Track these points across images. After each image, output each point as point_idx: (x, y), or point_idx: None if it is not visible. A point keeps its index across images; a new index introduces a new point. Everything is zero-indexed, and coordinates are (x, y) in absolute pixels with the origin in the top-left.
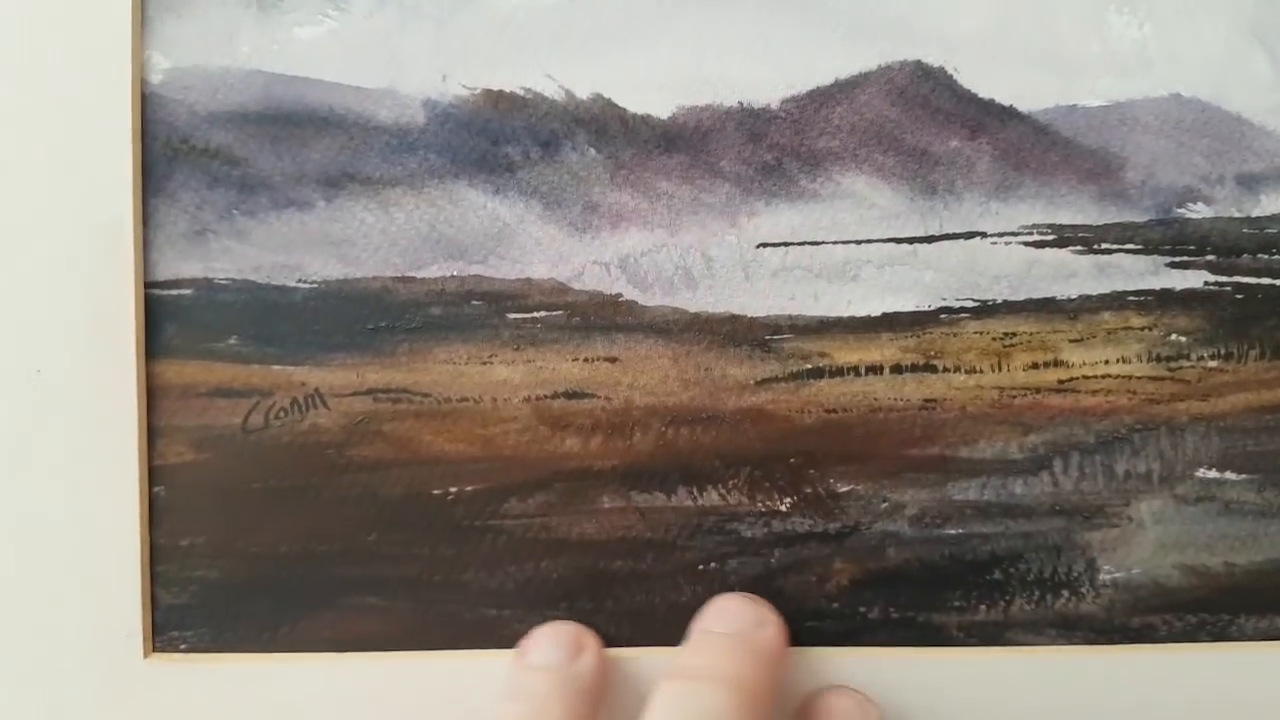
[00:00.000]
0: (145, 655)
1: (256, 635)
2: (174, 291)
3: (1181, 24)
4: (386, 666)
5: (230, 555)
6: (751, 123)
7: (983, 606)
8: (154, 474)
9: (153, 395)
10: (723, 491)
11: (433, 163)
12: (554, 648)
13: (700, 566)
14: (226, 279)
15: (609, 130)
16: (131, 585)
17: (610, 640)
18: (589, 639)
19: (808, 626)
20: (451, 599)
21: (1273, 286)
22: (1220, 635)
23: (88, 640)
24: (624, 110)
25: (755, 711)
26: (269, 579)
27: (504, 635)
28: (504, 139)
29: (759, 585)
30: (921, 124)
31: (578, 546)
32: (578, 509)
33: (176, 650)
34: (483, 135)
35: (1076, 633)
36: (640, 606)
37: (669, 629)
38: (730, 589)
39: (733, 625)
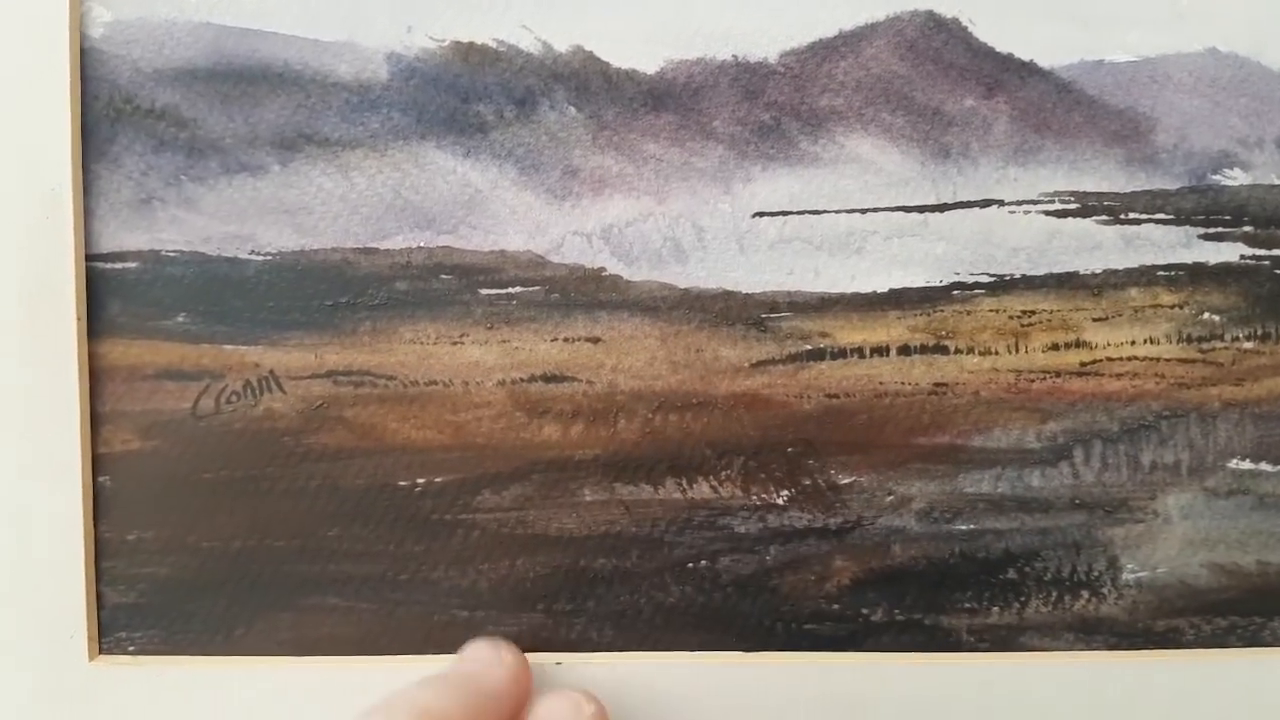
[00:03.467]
0: (91, 658)
1: (210, 637)
2: (118, 265)
3: None
4: (349, 671)
5: (181, 551)
6: (747, 79)
7: (996, 608)
8: (98, 463)
9: (96, 378)
10: (714, 483)
11: (397, 122)
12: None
13: (690, 564)
14: (174, 251)
15: (590, 87)
16: (75, 583)
17: (593, 644)
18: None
19: (805, 630)
20: (419, 599)
21: None
22: (1253, 640)
23: (29, 642)
24: (607, 65)
25: None
26: (222, 576)
27: (476, 638)
28: (475, 96)
29: (753, 584)
30: (933, 81)
31: (557, 542)
32: (557, 502)
33: (124, 652)
34: (452, 92)
35: (1097, 637)
36: (625, 608)
37: (656, 632)
38: (722, 588)
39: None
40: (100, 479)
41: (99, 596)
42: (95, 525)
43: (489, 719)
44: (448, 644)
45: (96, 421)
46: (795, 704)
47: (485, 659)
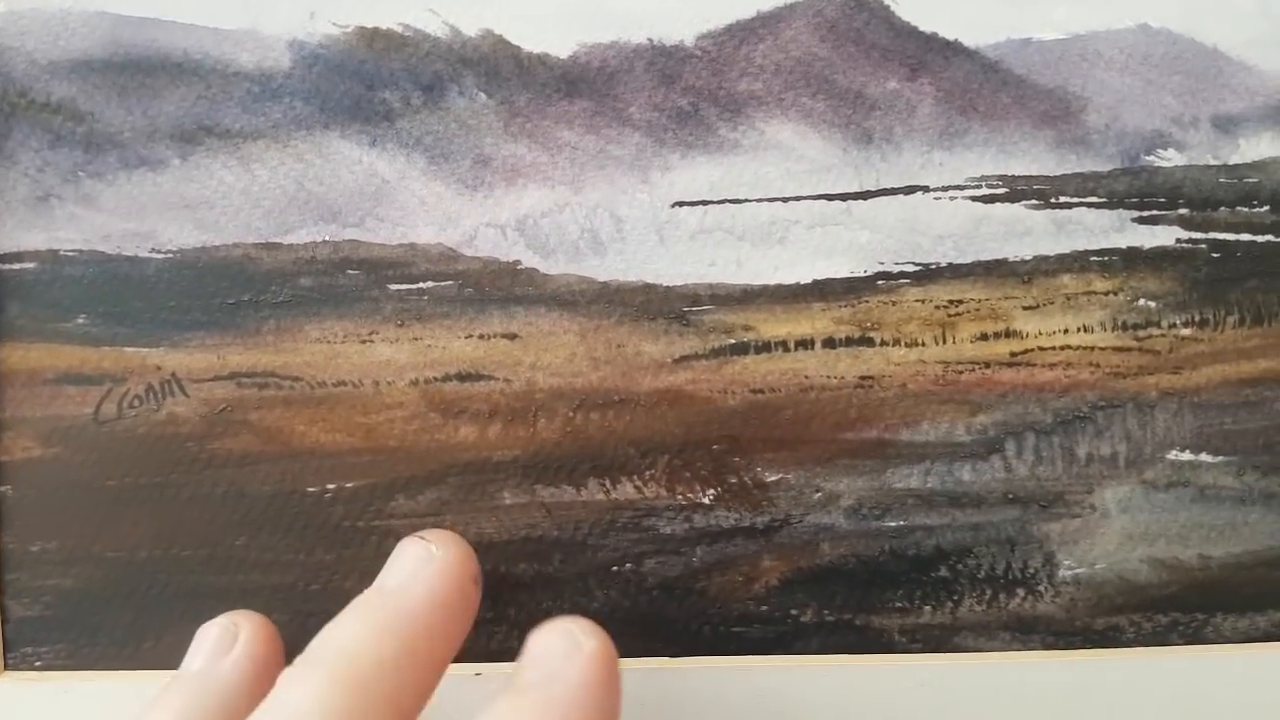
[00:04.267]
0: None
1: (117, 650)
2: (15, 265)
3: None
4: None
5: (85, 561)
6: (663, 62)
7: (928, 608)
8: None
9: None
10: (638, 483)
11: (299, 112)
12: (198, 651)
13: (614, 568)
14: (73, 250)
15: (501, 72)
16: None
17: (514, 653)
18: (246, 628)
19: (733, 632)
20: (332, 610)
21: (1253, 244)
22: (1194, 637)
23: None
24: (518, 49)
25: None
26: (129, 587)
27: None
28: (381, 83)
29: (680, 586)
30: (855, 62)
31: (475, 548)
32: (475, 506)
33: (30, 668)
34: (356, 79)
35: (1033, 636)
36: (548, 614)
37: None
38: (648, 591)
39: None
40: (1, 488)
41: (2, 610)
42: None
43: (431, 639)
44: None
45: None
46: (723, 708)
47: (414, 561)
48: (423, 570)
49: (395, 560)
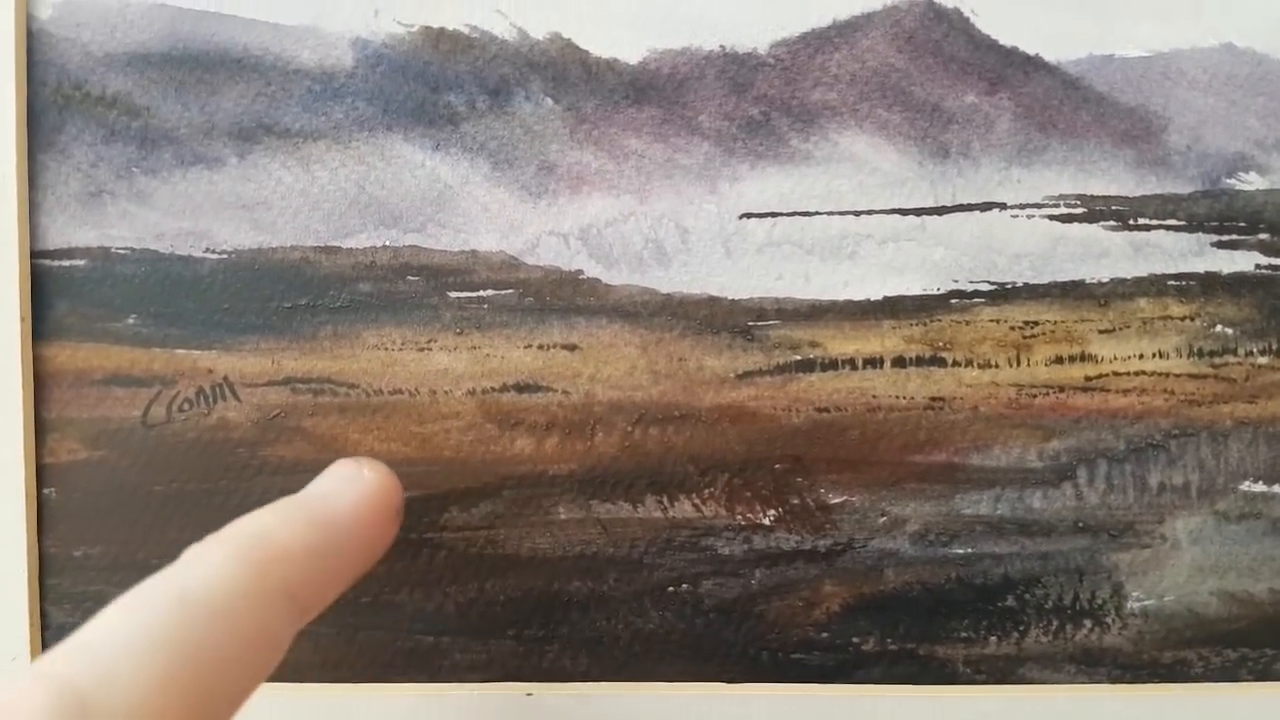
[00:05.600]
0: None
1: None
2: (65, 263)
3: None
4: (307, 699)
5: (129, 568)
6: (735, 70)
7: (993, 638)
8: (43, 474)
9: (41, 383)
10: (697, 502)
11: (362, 112)
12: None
13: (670, 588)
14: (125, 248)
15: (569, 77)
16: (18, 601)
17: (567, 673)
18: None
19: (792, 659)
20: (381, 623)
21: None
22: (1264, 673)
23: None
24: (586, 53)
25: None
26: None
27: (441, 666)
28: (445, 85)
29: (737, 610)
30: (933, 74)
31: (529, 564)
32: (529, 520)
33: None
34: (420, 81)
35: (1100, 668)
36: (601, 634)
37: (634, 661)
38: (705, 614)
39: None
40: (45, 491)
41: (43, 616)
42: (39, 540)
43: (343, 548)
44: (411, 671)
45: (41, 429)
46: None
47: (343, 476)
48: (350, 485)
49: (326, 473)
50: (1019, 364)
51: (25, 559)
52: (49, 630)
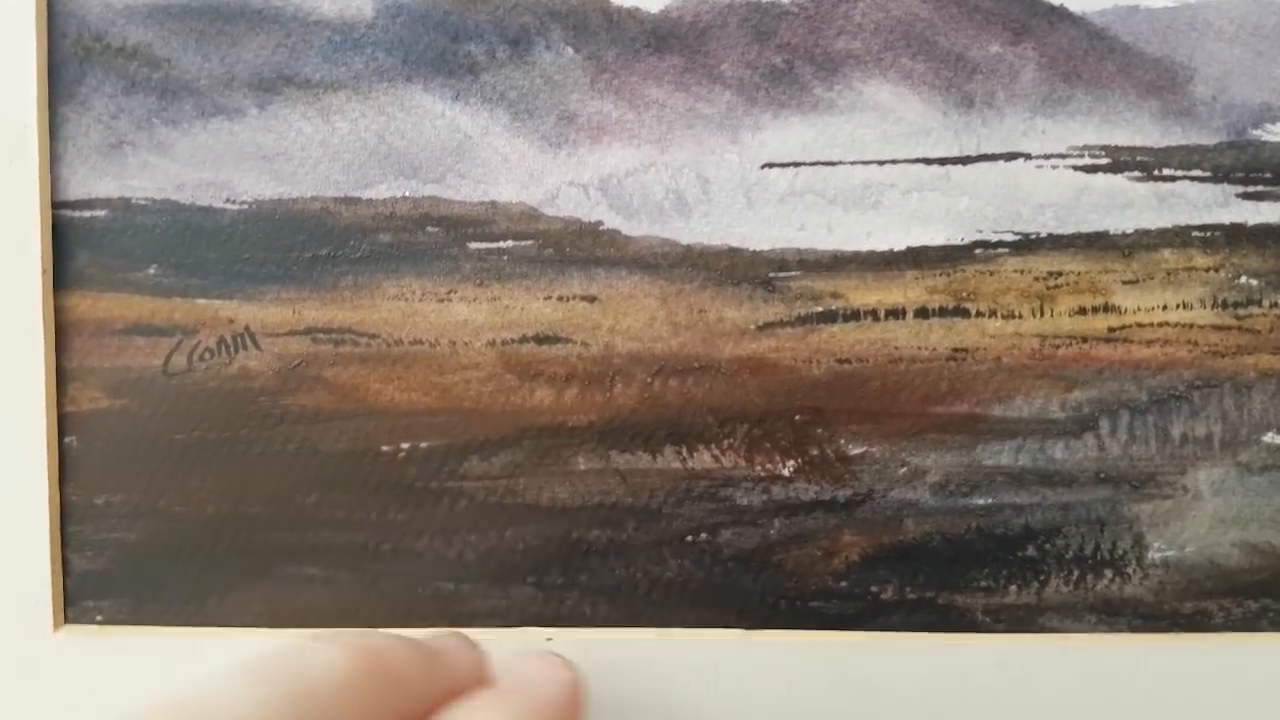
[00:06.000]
0: (55, 627)
1: (181, 606)
2: (86, 213)
3: None
4: None
5: (151, 516)
6: (758, 18)
7: (1013, 587)
8: (64, 422)
9: (62, 333)
10: (716, 452)
11: (382, 63)
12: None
13: (689, 538)
14: (145, 199)
15: (590, 25)
16: (40, 548)
17: (586, 619)
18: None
19: (811, 607)
20: (402, 570)
21: None
22: None
23: None
24: (607, 2)
25: None
26: (195, 543)
27: (461, 612)
28: (465, 35)
29: (756, 559)
30: (957, 24)
31: (548, 513)
32: (549, 470)
33: (91, 622)
34: (440, 30)
35: (1120, 618)
36: (620, 582)
37: (652, 608)
38: (723, 563)
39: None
40: (67, 439)
41: (65, 563)
42: (61, 488)
43: (442, 689)
44: (432, 617)
45: (63, 378)
46: (799, 685)
47: (454, 643)
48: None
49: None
50: (1042, 315)
51: (47, 506)
52: (71, 577)
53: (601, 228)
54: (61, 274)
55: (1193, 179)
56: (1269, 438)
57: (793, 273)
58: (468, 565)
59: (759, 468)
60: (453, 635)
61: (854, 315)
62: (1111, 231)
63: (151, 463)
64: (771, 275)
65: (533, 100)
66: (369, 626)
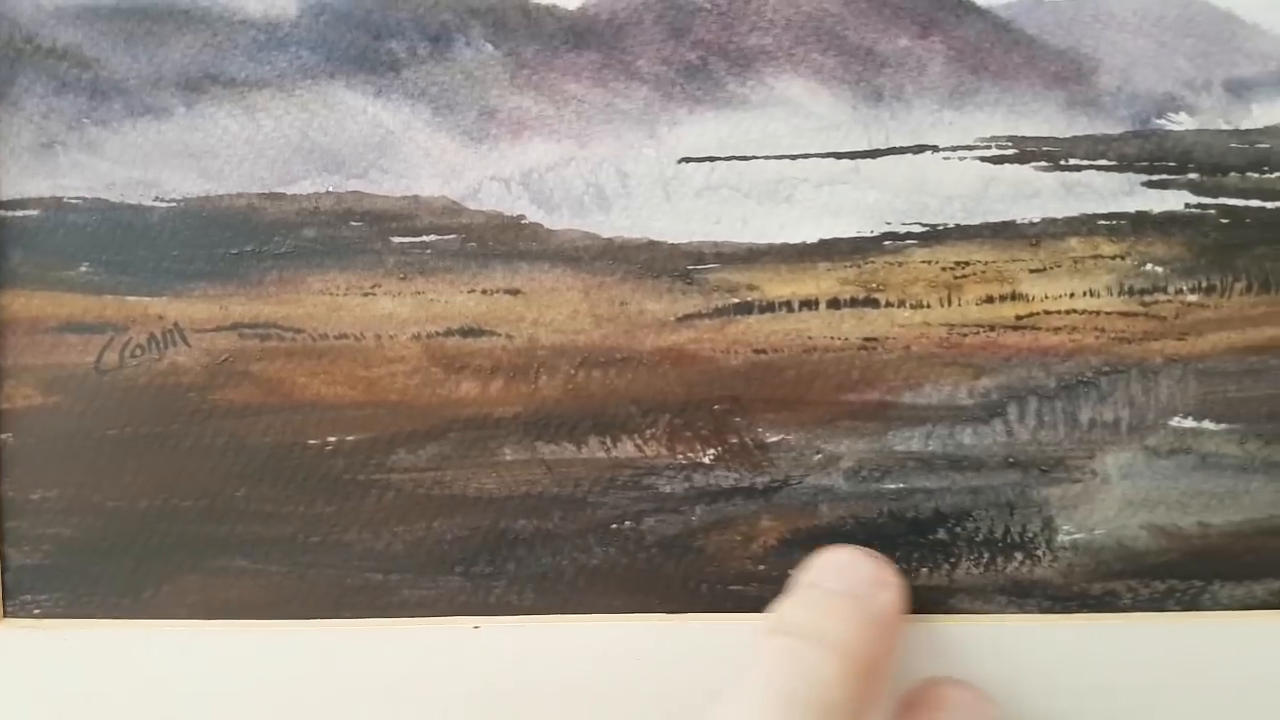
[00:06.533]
0: None
1: (116, 599)
2: (18, 213)
3: None
4: (259, 635)
5: (86, 510)
6: (673, 15)
7: (925, 569)
8: (0, 419)
9: None
10: (639, 442)
11: (305, 61)
12: (854, 577)
13: (613, 525)
14: (77, 198)
15: (509, 22)
16: None
17: (513, 608)
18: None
19: (732, 590)
20: (331, 562)
21: (1263, 210)
22: (1191, 604)
23: None
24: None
25: (866, 685)
26: (129, 537)
27: (390, 602)
28: (387, 33)
29: (678, 545)
30: (866, 18)
31: (475, 503)
32: (475, 461)
33: (29, 615)
34: (363, 29)
35: (1030, 599)
36: (546, 570)
37: (578, 595)
38: (647, 549)
39: (846, 584)
40: (2, 436)
41: (2, 558)
42: None
43: (885, 654)
44: (361, 608)
45: None
46: (721, 666)
47: (867, 577)
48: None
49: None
50: (950, 304)
51: None
52: (9, 572)
53: (523, 221)
54: None
55: (1098, 168)
56: (1175, 422)
57: (710, 265)
58: (396, 556)
59: (680, 456)
60: (856, 557)
61: (769, 307)
62: (1018, 221)
63: (85, 458)
64: (690, 268)
65: (454, 96)
66: (299, 617)
